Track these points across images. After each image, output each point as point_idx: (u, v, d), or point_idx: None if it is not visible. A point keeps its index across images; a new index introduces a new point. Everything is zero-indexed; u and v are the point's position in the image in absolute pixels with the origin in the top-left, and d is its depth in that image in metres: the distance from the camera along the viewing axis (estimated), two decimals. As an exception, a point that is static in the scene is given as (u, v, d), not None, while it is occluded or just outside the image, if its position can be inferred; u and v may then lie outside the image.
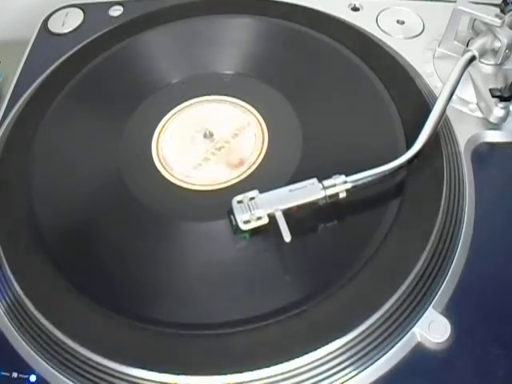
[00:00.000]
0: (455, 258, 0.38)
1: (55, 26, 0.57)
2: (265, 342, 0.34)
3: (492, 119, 0.44)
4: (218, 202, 0.40)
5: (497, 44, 0.44)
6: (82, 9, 0.58)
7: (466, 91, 0.46)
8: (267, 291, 0.37)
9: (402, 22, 0.53)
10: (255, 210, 0.37)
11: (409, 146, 0.40)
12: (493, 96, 0.43)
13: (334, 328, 0.34)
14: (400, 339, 0.35)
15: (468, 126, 0.45)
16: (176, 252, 0.40)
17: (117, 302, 0.37)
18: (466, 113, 0.45)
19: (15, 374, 0.36)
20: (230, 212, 0.38)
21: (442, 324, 0.35)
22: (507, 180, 0.42)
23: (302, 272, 0.38)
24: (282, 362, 0.33)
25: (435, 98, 0.42)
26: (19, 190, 0.43)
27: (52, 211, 0.42)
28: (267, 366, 0.33)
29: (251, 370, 0.33)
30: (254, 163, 0.44)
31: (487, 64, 0.45)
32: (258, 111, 0.47)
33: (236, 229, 0.37)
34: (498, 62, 0.45)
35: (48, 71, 0.52)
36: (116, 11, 0.57)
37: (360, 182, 0.38)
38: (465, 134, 0.44)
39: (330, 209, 0.38)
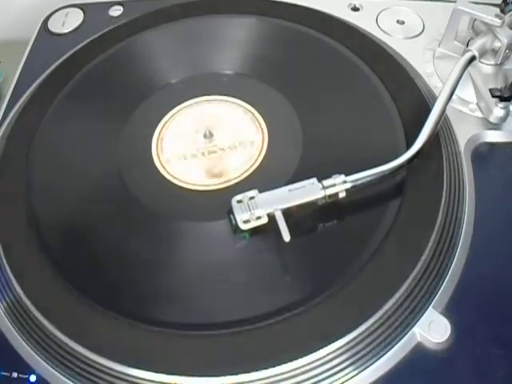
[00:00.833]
0: (455, 258, 0.38)
1: (55, 26, 0.57)
2: (265, 342, 0.34)
3: (492, 119, 0.44)
4: (218, 202, 0.40)
5: (497, 44, 0.44)
6: (82, 9, 0.58)
7: (466, 91, 0.46)
8: (267, 291, 0.37)
9: (402, 22, 0.53)
10: (255, 210, 0.37)
11: (409, 145, 0.40)
12: (493, 96, 0.43)
13: (334, 328, 0.34)
14: (400, 339, 0.35)
15: (468, 125, 0.45)
16: (176, 252, 0.40)
17: (117, 302, 0.37)
18: (466, 113, 0.45)
19: (15, 374, 0.36)
20: (230, 211, 0.38)
21: (441, 324, 0.35)
22: (507, 180, 0.42)
23: (301, 272, 0.38)
24: (282, 363, 0.33)
25: (435, 98, 0.42)
26: (19, 189, 0.43)
27: (52, 211, 0.42)
28: (267, 367, 0.33)
29: (251, 371, 0.33)
30: (254, 163, 0.44)
31: (487, 64, 0.45)
32: (258, 111, 0.47)
33: (236, 228, 0.37)
34: (498, 62, 0.45)
35: (48, 71, 0.52)
36: (116, 11, 0.57)
37: (359, 182, 0.38)
38: (465, 134, 0.44)
39: (329, 209, 0.38)
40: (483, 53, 0.44)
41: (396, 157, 0.39)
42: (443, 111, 0.41)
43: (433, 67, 0.49)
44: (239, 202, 0.38)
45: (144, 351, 0.35)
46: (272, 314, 0.35)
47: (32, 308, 0.37)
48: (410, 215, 0.38)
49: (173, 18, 0.53)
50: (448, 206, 0.39)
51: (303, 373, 0.34)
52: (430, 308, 0.36)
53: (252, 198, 0.38)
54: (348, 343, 0.34)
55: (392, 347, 0.35)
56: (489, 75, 0.45)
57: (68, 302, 0.37)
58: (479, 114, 0.45)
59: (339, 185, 0.38)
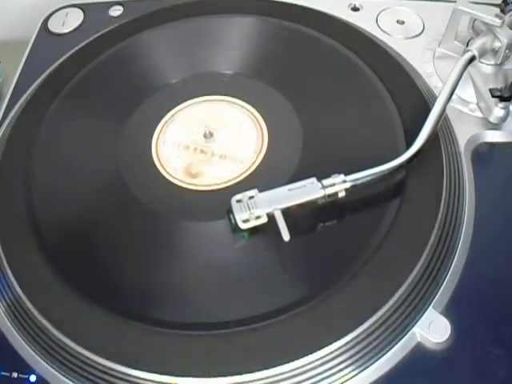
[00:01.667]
0: (455, 257, 0.38)
1: (55, 26, 0.57)
2: (265, 343, 0.34)
3: (492, 119, 0.44)
4: (218, 202, 0.40)
5: (497, 44, 0.44)
6: (82, 9, 0.58)
7: (466, 91, 0.46)
8: (267, 291, 0.37)
9: (402, 22, 0.52)
10: (254, 209, 0.37)
11: (408, 145, 0.40)
12: (493, 96, 0.43)
13: (334, 328, 0.34)
14: (400, 339, 0.35)
15: (468, 125, 0.45)
16: (176, 252, 0.40)
17: (117, 302, 0.37)
18: (466, 113, 0.45)
19: (15, 374, 0.36)
20: (229, 211, 0.38)
21: (442, 324, 0.35)
22: (507, 180, 0.42)
23: (301, 272, 0.38)
24: (282, 363, 0.33)
25: (435, 98, 0.42)
26: (19, 190, 0.43)
27: (52, 211, 0.42)
28: (267, 367, 0.33)
29: (251, 371, 0.33)
30: (254, 163, 0.44)
31: (487, 64, 0.45)
32: (258, 111, 0.47)
33: (235, 228, 0.37)
34: (498, 62, 0.45)
35: (48, 71, 0.52)
36: (116, 11, 0.57)
37: (359, 182, 0.38)
38: (465, 134, 0.44)
39: (329, 208, 0.38)
40: (483, 53, 0.44)
41: (396, 156, 0.39)
42: (443, 111, 0.41)
43: (433, 67, 0.49)
44: (239, 201, 0.38)
45: (144, 351, 0.35)
46: (272, 314, 0.35)
47: (32, 308, 0.37)
48: (409, 215, 0.38)
49: (173, 17, 0.53)
50: (448, 206, 0.39)
51: (303, 373, 0.34)
52: (430, 308, 0.36)
53: (251, 197, 0.38)
54: (348, 343, 0.34)
55: (392, 347, 0.35)
56: (489, 75, 0.45)
57: (68, 302, 0.37)
58: (479, 114, 0.45)
59: (339, 184, 0.38)
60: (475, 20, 0.46)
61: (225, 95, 0.49)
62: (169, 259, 0.40)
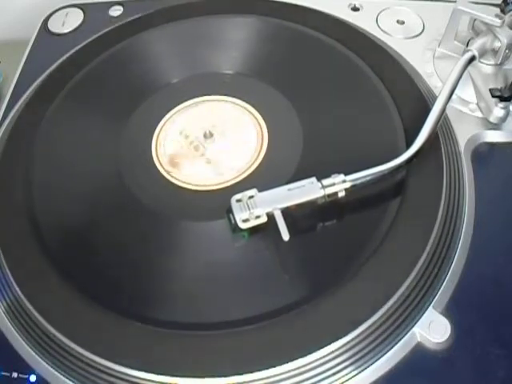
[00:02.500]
0: (455, 258, 0.38)
1: (55, 26, 0.57)
2: (265, 343, 0.34)
3: (492, 119, 0.44)
4: (218, 202, 0.40)
5: (497, 44, 0.44)
6: (82, 9, 0.58)
7: (466, 91, 0.46)
8: (267, 291, 0.37)
9: (402, 22, 0.53)
10: (254, 209, 0.37)
11: (408, 145, 0.40)
12: (493, 96, 0.43)
13: (334, 328, 0.34)
14: (400, 339, 0.35)
15: (468, 125, 0.45)
16: (176, 252, 0.40)
17: (117, 302, 0.37)
18: (466, 113, 0.45)
19: (15, 374, 0.36)
20: (229, 211, 0.38)
21: (442, 324, 0.35)
22: (507, 180, 0.42)
23: (301, 271, 0.38)
24: (281, 363, 0.33)
25: (435, 98, 0.42)
26: (19, 189, 0.43)
27: (52, 211, 0.42)
28: (267, 367, 0.33)
29: (251, 371, 0.33)
30: (254, 163, 0.44)
31: (487, 64, 0.45)
32: (258, 111, 0.47)
33: (235, 227, 0.37)
34: (498, 62, 0.45)
35: (48, 71, 0.52)
36: (116, 11, 0.57)
37: (359, 182, 0.38)
38: (465, 134, 0.44)
39: (329, 208, 0.38)
40: (483, 53, 0.44)
41: (396, 156, 0.39)
42: (443, 111, 0.41)
43: (433, 67, 0.49)
44: (238, 201, 0.38)
45: (144, 351, 0.35)
46: (272, 314, 0.35)
47: (32, 308, 0.37)
48: (409, 215, 0.38)
49: (173, 18, 0.53)
50: (448, 206, 0.39)
51: (303, 373, 0.34)
52: (430, 308, 0.36)
53: (251, 197, 0.38)
54: (348, 343, 0.34)
55: (392, 347, 0.35)
56: (489, 75, 0.45)
57: (68, 302, 0.37)
58: (479, 114, 0.45)
59: (338, 184, 0.38)
60: (475, 20, 0.46)
61: (225, 95, 0.49)
62: (169, 259, 0.40)
